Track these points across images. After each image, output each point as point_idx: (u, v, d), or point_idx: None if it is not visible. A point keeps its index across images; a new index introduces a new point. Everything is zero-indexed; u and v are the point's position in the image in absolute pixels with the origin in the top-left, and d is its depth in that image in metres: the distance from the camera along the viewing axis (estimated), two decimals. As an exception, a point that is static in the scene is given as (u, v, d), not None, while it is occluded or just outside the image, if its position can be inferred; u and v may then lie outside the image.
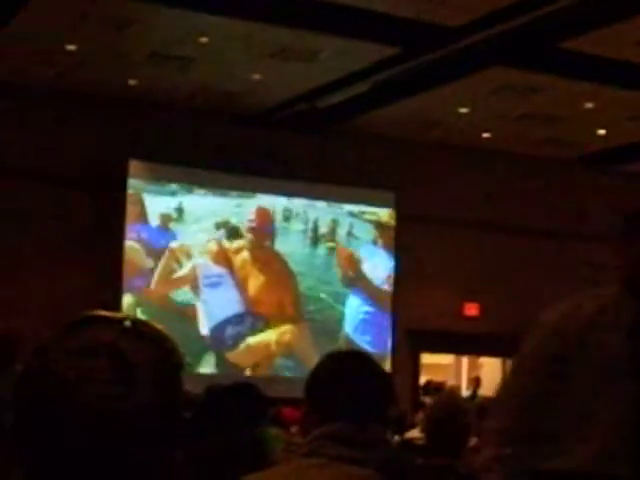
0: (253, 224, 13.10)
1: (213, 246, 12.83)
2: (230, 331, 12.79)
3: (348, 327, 13.49)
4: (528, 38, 9.77)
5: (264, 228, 13.20)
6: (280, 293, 13.23)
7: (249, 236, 13.07)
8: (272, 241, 13.27)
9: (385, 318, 13.71)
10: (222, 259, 12.85)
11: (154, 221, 12.61)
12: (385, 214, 13.84)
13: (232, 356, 12.81)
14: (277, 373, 13.00)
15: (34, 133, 12.09)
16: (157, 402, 1.16)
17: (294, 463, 2.18)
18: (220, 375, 11.80)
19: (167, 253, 12.56)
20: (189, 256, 12.67)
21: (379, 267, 13.75)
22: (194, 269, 12.69)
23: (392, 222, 13.84)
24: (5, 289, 11.54)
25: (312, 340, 13.16)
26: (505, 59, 10.57)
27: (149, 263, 12.51)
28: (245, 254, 13.03)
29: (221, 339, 12.74)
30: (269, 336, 13.06)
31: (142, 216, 12.54)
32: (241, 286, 12.94)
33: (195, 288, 12.68)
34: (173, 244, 12.61)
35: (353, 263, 13.67)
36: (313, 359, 13.06)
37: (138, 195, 12.49)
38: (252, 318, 12.96)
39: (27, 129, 12.05)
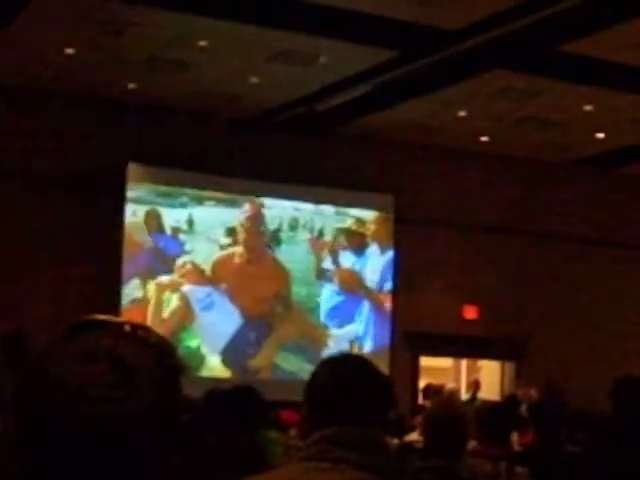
0: (248, 222, 13.01)
1: (190, 268, 12.62)
2: (244, 345, 12.78)
3: (322, 316, 13.56)
4: (527, 41, 9.77)
5: (255, 225, 13.10)
6: (277, 287, 13.18)
7: (242, 237, 12.96)
8: (262, 239, 13.19)
9: (382, 320, 13.74)
10: (203, 278, 12.68)
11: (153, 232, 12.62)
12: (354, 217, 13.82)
13: (253, 362, 12.89)
14: (291, 359, 13.06)
15: (34, 137, 12.08)
16: (156, 406, 1.17)
17: (293, 466, 2.17)
18: (223, 379, 11.81)
19: (154, 288, 12.37)
20: (175, 287, 12.51)
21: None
22: (183, 298, 12.54)
23: (359, 229, 13.79)
24: (5, 290, 11.55)
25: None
26: (504, 62, 10.58)
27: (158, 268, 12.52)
28: (237, 259, 12.95)
29: (239, 353, 12.73)
30: (279, 332, 13.09)
31: (145, 224, 12.56)
32: (236, 295, 12.80)
33: (191, 318, 12.54)
34: (161, 278, 12.43)
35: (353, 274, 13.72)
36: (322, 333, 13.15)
37: (135, 201, 12.48)
38: (255, 324, 12.91)
39: (26, 133, 12.04)
